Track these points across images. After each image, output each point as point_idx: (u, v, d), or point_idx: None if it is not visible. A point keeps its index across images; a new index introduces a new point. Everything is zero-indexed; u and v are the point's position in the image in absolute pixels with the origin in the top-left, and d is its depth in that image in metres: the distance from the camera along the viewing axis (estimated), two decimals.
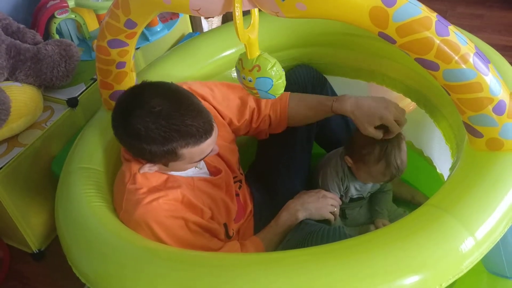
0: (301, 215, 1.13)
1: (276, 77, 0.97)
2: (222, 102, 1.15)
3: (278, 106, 1.19)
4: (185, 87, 1.02)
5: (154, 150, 0.91)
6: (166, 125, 0.88)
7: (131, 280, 0.80)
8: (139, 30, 1.01)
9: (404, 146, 1.15)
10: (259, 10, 0.89)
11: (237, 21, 0.84)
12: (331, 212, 1.18)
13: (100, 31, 1.04)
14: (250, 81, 0.98)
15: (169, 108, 0.89)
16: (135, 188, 0.96)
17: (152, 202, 0.95)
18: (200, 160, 0.99)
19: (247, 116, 1.18)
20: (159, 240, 0.94)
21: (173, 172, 1.03)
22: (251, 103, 1.18)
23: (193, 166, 1.02)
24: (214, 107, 1.14)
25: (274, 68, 0.96)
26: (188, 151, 0.92)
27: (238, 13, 0.84)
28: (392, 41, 0.77)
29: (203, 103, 0.97)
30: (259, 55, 0.95)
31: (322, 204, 1.16)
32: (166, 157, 0.93)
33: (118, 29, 0.99)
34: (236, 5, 0.82)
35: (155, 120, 0.88)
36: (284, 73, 0.98)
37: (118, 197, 1.00)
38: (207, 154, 0.98)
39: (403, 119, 1.06)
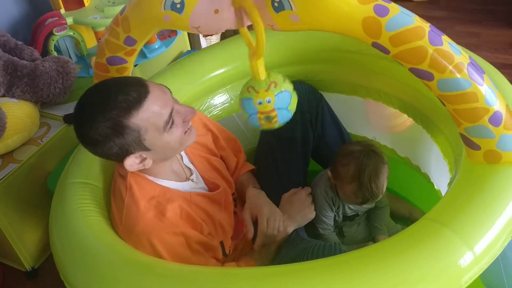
0: (291, 229, 1.15)
1: (291, 87, 0.94)
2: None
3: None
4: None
5: (119, 141, 0.90)
6: (106, 116, 0.88)
7: None
8: (138, 47, 1.01)
9: (384, 171, 1.11)
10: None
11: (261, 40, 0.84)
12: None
13: (99, 49, 1.04)
14: (269, 102, 0.92)
15: (99, 105, 0.90)
16: (134, 202, 0.95)
17: (152, 217, 0.94)
18: (169, 120, 0.94)
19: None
20: (159, 256, 0.93)
21: (164, 181, 1.01)
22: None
23: (175, 137, 0.96)
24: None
25: (287, 80, 0.93)
26: (140, 119, 0.90)
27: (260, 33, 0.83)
28: (385, 51, 0.77)
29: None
30: (268, 73, 0.92)
31: (305, 208, 1.18)
32: (131, 137, 0.91)
33: (118, 46, 0.99)
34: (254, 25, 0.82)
35: (98, 122, 0.89)
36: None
37: (116, 213, 0.98)
38: (170, 113, 0.94)
39: (271, 238, 1.13)
